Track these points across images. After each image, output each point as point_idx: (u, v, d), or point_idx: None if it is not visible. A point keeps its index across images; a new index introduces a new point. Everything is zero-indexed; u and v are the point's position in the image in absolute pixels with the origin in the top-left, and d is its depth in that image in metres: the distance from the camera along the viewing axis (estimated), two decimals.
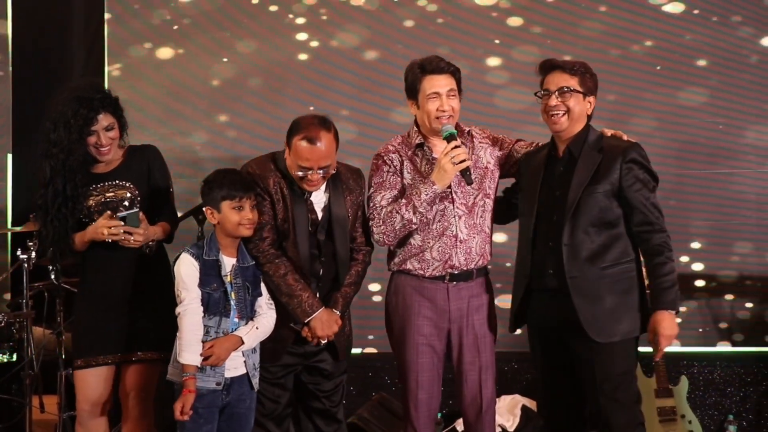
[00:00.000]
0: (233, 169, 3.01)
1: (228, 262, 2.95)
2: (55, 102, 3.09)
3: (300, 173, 2.95)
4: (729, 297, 4.53)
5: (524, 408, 4.34)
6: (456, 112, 3.06)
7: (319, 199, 3.07)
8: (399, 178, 3.10)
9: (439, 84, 3.03)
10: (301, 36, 4.68)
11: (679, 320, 4.50)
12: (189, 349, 2.85)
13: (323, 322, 2.99)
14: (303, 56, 4.68)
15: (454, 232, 3.07)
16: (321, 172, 2.95)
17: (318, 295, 3.05)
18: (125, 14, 4.74)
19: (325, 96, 4.59)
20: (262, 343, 3.02)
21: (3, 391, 4.25)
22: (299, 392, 3.18)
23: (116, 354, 3.12)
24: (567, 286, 2.93)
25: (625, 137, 3.03)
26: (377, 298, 4.35)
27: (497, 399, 3.39)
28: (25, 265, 3.88)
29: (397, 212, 3.02)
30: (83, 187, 3.11)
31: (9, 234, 4.59)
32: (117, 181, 3.16)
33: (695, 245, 4.53)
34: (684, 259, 4.51)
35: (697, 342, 4.55)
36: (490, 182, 3.16)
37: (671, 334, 2.93)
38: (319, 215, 3.06)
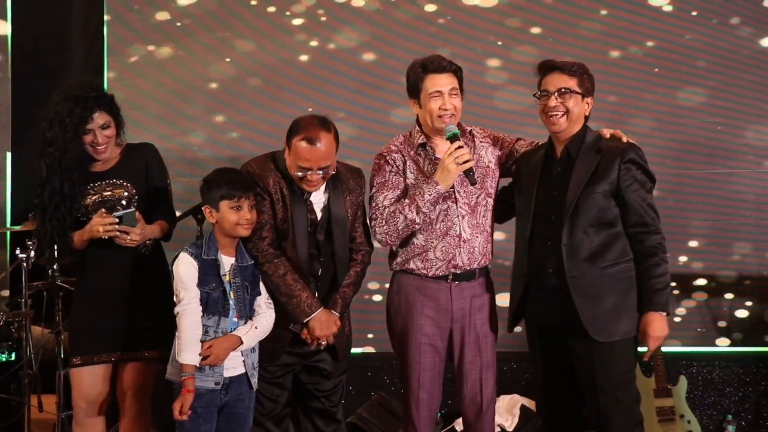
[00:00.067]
0: (233, 169, 3.01)
1: (227, 262, 2.95)
2: (51, 101, 3.10)
3: (299, 173, 2.95)
4: (728, 297, 4.54)
5: (523, 408, 4.34)
6: (458, 111, 3.06)
7: (318, 199, 3.06)
8: (402, 178, 3.10)
9: (441, 83, 3.03)
10: (300, 36, 4.68)
11: (678, 319, 4.54)
12: (188, 349, 2.85)
13: (322, 323, 2.99)
14: (302, 56, 4.68)
15: (458, 232, 3.07)
16: (320, 172, 2.95)
17: (317, 296, 3.05)
18: (125, 14, 4.74)
19: (324, 96, 4.59)
20: (261, 343, 3.02)
21: (2, 390, 4.25)
22: (298, 392, 3.18)
23: (113, 352, 3.12)
24: (567, 286, 2.93)
25: (624, 138, 3.03)
26: (377, 298, 4.35)
27: (496, 399, 3.38)
28: (24, 264, 3.88)
29: (400, 212, 3.02)
30: (81, 185, 3.11)
31: (8, 233, 4.59)
32: (115, 180, 3.16)
33: (694, 245, 4.54)
34: (683, 258, 4.52)
35: (696, 342, 4.56)
36: (492, 181, 3.16)
37: (661, 335, 2.94)
38: (319, 215, 3.06)
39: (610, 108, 4.44)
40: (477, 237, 3.10)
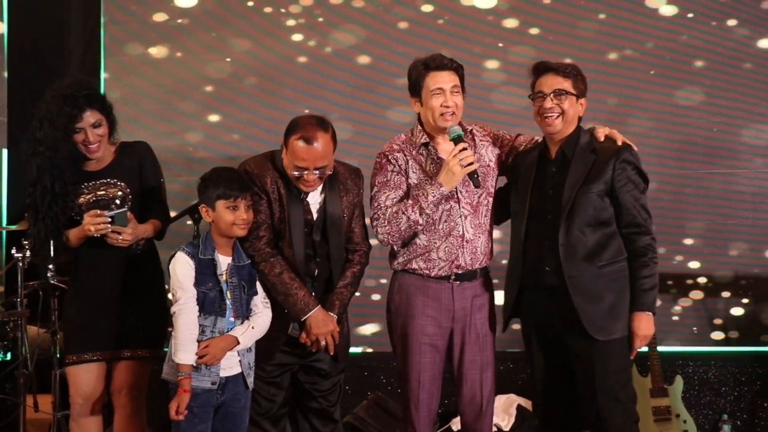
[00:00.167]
0: (230, 168, 3.01)
1: (223, 261, 2.95)
2: (42, 100, 3.09)
3: (296, 173, 2.95)
4: (724, 296, 4.54)
5: (520, 407, 4.34)
6: (459, 109, 3.05)
7: (315, 199, 3.06)
8: (404, 178, 3.09)
9: (443, 80, 3.03)
10: (298, 36, 4.67)
11: (675, 318, 4.54)
12: (184, 349, 2.85)
13: (319, 321, 2.99)
14: (299, 56, 4.68)
15: (461, 233, 3.07)
16: (317, 172, 2.95)
17: (313, 295, 3.05)
18: (122, 13, 4.73)
19: (321, 95, 4.59)
20: (256, 342, 3.01)
21: None
22: (296, 392, 3.18)
23: (106, 351, 3.13)
24: (565, 285, 2.94)
25: (619, 139, 3.02)
26: (375, 297, 4.34)
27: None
28: (20, 263, 3.87)
29: (403, 213, 3.01)
30: (74, 184, 3.11)
31: (4, 232, 4.58)
32: (108, 180, 3.16)
33: (691, 244, 4.55)
34: (679, 258, 4.52)
35: (692, 342, 4.56)
36: (492, 180, 3.17)
37: (647, 334, 2.98)
38: (315, 216, 3.06)
39: (609, 108, 4.44)
40: (479, 237, 3.10)
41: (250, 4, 4.68)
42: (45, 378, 4.01)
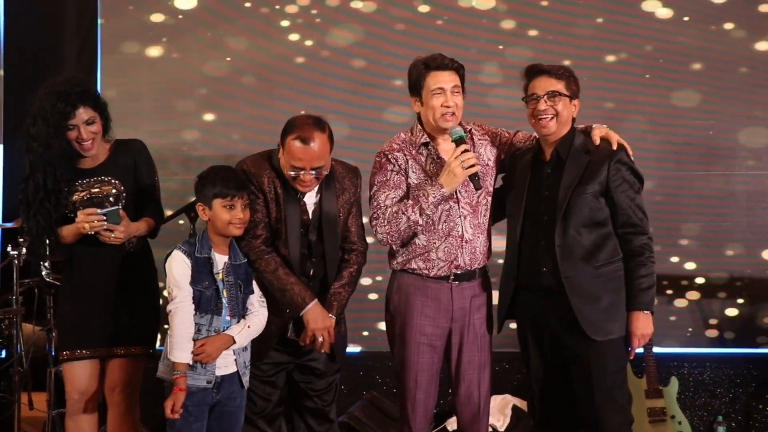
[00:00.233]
0: (227, 167, 3.00)
1: (220, 260, 2.94)
2: (36, 97, 3.09)
3: (292, 173, 2.95)
4: (720, 298, 4.55)
5: (515, 408, 4.35)
6: (459, 110, 3.05)
7: (311, 199, 3.06)
8: (403, 178, 3.09)
9: (443, 80, 3.02)
10: (295, 36, 4.67)
11: (673, 318, 4.55)
12: (180, 347, 2.84)
13: (316, 316, 2.98)
14: (296, 55, 4.67)
15: (460, 233, 3.07)
16: (314, 172, 2.94)
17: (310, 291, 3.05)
18: (118, 11, 4.72)
19: (318, 95, 4.59)
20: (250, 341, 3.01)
21: None
22: (292, 391, 3.18)
23: (100, 348, 3.13)
24: (562, 286, 2.95)
25: (614, 140, 3.02)
26: (373, 296, 4.34)
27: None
28: (15, 261, 3.87)
29: (403, 213, 3.01)
30: (68, 181, 3.11)
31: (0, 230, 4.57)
32: (103, 177, 3.16)
33: (686, 246, 4.55)
34: (675, 259, 4.53)
35: (688, 343, 4.57)
36: (491, 179, 3.17)
37: (645, 333, 2.98)
38: (311, 215, 3.06)
39: (605, 110, 4.45)
40: (478, 237, 3.10)
41: (248, 5, 4.67)
42: (40, 376, 4.00)
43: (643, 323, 2.97)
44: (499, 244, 3.22)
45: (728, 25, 4.54)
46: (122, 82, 4.67)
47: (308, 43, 4.67)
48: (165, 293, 2.95)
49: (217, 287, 2.91)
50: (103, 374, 3.18)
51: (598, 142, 3.01)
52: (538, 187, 3.04)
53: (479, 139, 3.17)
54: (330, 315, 3.02)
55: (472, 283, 3.12)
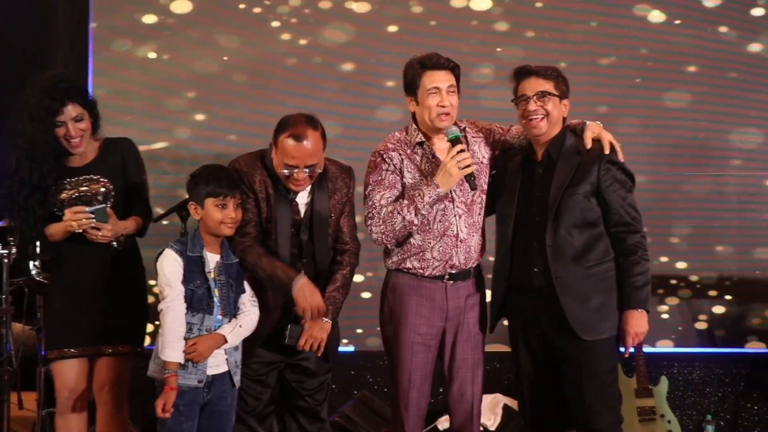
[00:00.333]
0: (220, 166, 3.00)
1: (212, 259, 2.94)
2: (23, 92, 3.08)
3: (286, 171, 2.94)
4: (709, 298, 4.57)
5: (505, 407, 4.35)
6: (454, 109, 3.05)
7: (303, 199, 3.05)
8: (398, 177, 3.08)
9: (439, 79, 3.02)
10: (287, 35, 4.66)
11: (665, 316, 4.57)
12: (171, 346, 2.84)
13: (305, 292, 2.95)
14: (288, 54, 4.66)
15: (455, 232, 3.07)
16: (307, 170, 2.94)
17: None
18: (109, 9, 4.70)
19: (311, 94, 4.58)
20: None
21: None
22: (283, 390, 3.17)
23: (87, 347, 3.13)
24: (553, 286, 2.95)
25: (606, 141, 3.01)
26: (366, 295, 4.33)
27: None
28: (5, 260, 3.84)
29: (398, 213, 3.01)
30: (56, 179, 3.09)
31: None
32: (92, 176, 3.15)
33: (677, 246, 4.57)
34: (665, 259, 4.55)
35: (677, 343, 4.59)
36: (486, 177, 3.16)
37: (640, 331, 2.98)
38: (303, 215, 3.05)
39: (599, 111, 4.46)
40: (473, 236, 3.10)
41: (242, 6, 4.66)
42: (29, 375, 3.98)
43: (638, 321, 2.97)
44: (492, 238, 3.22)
45: (720, 28, 4.56)
46: (113, 80, 4.65)
47: (302, 42, 4.66)
48: (156, 290, 2.94)
49: (208, 286, 2.91)
50: (91, 373, 3.17)
51: (589, 145, 3.01)
52: (530, 188, 3.05)
53: (473, 137, 3.17)
54: (326, 320, 3.02)
55: (467, 283, 3.12)
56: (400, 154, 3.09)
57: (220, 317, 2.93)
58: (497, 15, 4.63)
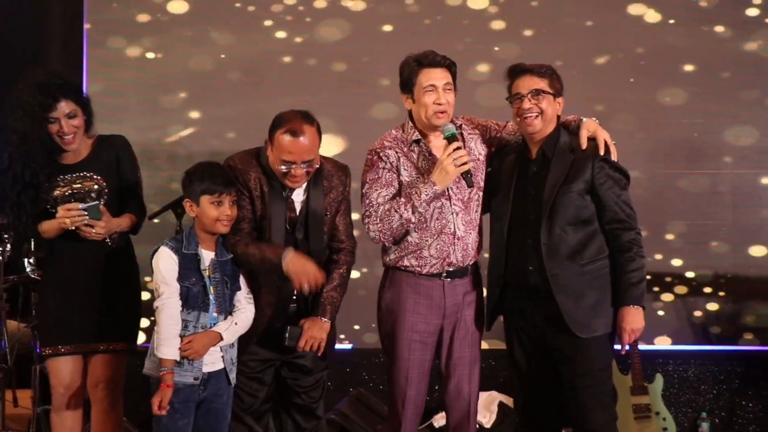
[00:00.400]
0: (216, 163, 2.99)
1: (207, 256, 2.94)
2: (16, 89, 3.07)
3: (283, 168, 2.94)
4: (704, 296, 4.58)
5: (501, 404, 4.36)
6: (451, 107, 3.05)
7: (299, 197, 3.05)
8: (395, 175, 3.08)
9: (435, 77, 3.02)
10: (282, 32, 4.66)
11: (662, 313, 4.57)
12: (167, 344, 2.84)
13: (296, 264, 2.93)
14: (283, 52, 4.66)
15: (452, 230, 3.07)
16: (304, 166, 2.94)
17: (296, 293, 3.04)
18: (104, 6, 4.69)
19: (305, 92, 4.57)
20: None
21: None
22: (279, 387, 3.17)
23: (81, 344, 3.13)
24: (548, 284, 2.96)
25: (601, 141, 3.01)
26: (361, 292, 4.33)
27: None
28: (0, 257, 3.84)
29: (395, 211, 3.00)
30: (49, 176, 3.09)
31: None
32: (85, 173, 3.14)
33: (672, 243, 4.58)
34: (660, 257, 4.56)
35: (672, 340, 4.60)
36: (482, 174, 3.16)
37: (635, 328, 2.98)
38: (298, 213, 3.05)
39: (595, 110, 4.46)
40: (470, 233, 3.10)
41: (238, 5, 4.65)
42: (25, 373, 3.98)
43: (633, 318, 2.97)
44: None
45: (715, 27, 4.57)
46: (108, 77, 4.64)
47: (297, 40, 4.66)
48: (151, 287, 2.94)
49: (204, 284, 2.90)
50: (86, 370, 3.17)
51: (584, 145, 3.01)
52: (525, 186, 3.05)
53: (469, 134, 3.18)
54: (324, 319, 3.03)
55: (464, 280, 3.13)
56: (396, 152, 3.09)
57: (215, 314, 2.92)
58: (493, 13, 4.63)
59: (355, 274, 4.29)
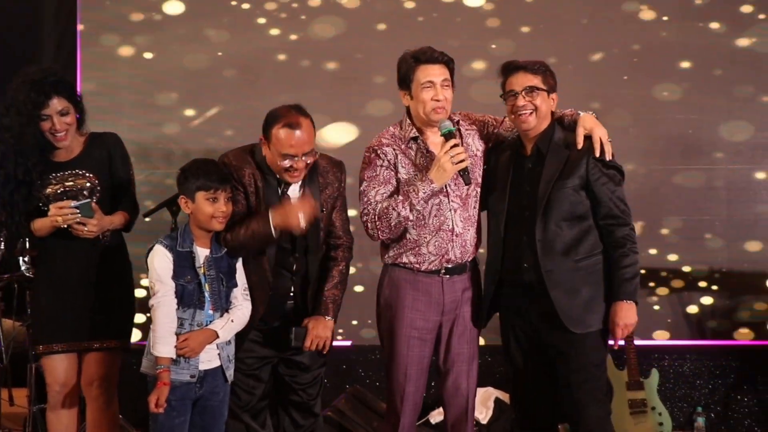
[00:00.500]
0: (211, 160, 2.99)
1: (202, 254, 2.93)
2: (10, 87, 3.06)
3: (285, 162, 2.92)
4: (699, 291, 4.59)
5: (497, 400, 4.36)
6: (449, 103, 3.05)
7: (295, 194, 3.04)
8: (393, 172, 3.08)
9: (433, 73, 3.02)
10: (276, 29, 4.65)
11: (657, 308, 4.58)
12: (163, 342, 2.83)
13: (280, 214, 2.90)
14: (278, 49, 4.65)
15: (451, 227, 3.07)
16: (305, 158, 2.93)
17: (293, 289, 3.04)
18: (98, 3, 4.68)
19: (300, 89, 4.56)
20: None
21: None
22: (277, 385, 3.17)
23: (75, 342, 3.13)
24: (543, 280, 2.96)
25: (597, 136, 3.00)
26: (358, 288, 4.33)
27: None
28: None
29: (393, 209, 3.00)
30: (41, 173, 3.08)
31: None
32: (77, 171, 3.14)
33: (667, 239, 4.59)
34: (654, 251, 4.56)
35: (668, 335, 4.61)
36: (480, 170, 3.16)
37: (628, 323, 2.98)
38: None
39: (591, 107, 4.47)
40: (468, 230, 3.11)
41: (233, 3, 4.64)
42: (20, 371, 3.97)
43: (626, 313, 2.97)
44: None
45: (709, 24, 4.58)
46: (102, 75, 4.63)
47: (292, 37, 4.65)
48: (146, 284, 2.94)
49: (199, 281, 2.90)
50: (80, 368, 3.17)
51: (581, 145, 3.00)
52: (521, 182, 3.05)
53: (467, 130, 3.17)
54: (328, 317, 3.03)
55: (463, 276, 3.13)
56: (394, 150, 3.09)
57: (211, 312, 2.92)
58: (488, 11, 4.63)
59: (350, 270, 4.30)
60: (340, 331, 4.44)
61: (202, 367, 2.91)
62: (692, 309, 4.60)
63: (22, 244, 3.20)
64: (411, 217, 3.01)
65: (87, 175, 3.14)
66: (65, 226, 3.03)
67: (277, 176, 3.00)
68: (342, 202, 3.15)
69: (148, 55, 4.66)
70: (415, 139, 3.10)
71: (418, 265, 3.09)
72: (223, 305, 2.95)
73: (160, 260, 2.88)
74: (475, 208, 3.13)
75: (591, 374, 3.00)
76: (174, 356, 2.84)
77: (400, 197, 3.02)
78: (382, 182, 3.07)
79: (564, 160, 3.00)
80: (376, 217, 3.02)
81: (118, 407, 3.23)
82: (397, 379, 3.10)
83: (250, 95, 4.60)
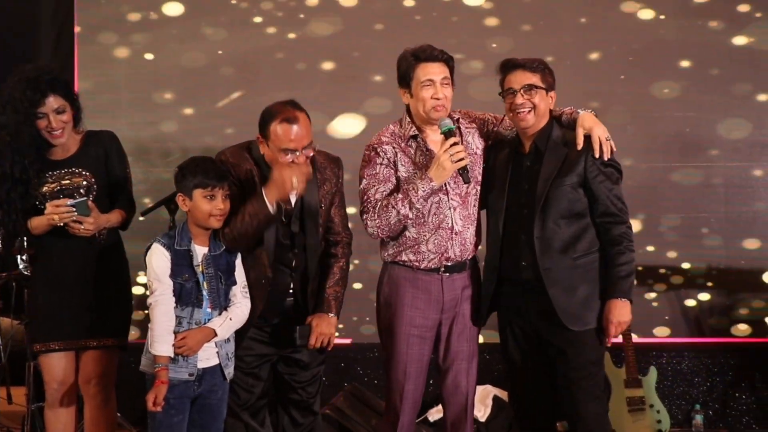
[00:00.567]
0: (208, 158, 2.98)
1: (200, 252, 2.93)
2: (6, 85, 3.06)
3: (288, 157, 2.91)
4: (697, 288, 4.60)
5: (496, 398, 4.37)
6: (448, 101, 3.05)
7: None
8: (392, 170, 3.08)
9: (433, 71, 3.02)
10: (274, 27, 4.65)
11: (655, 304, 4.58)
12: (161, 340, 2.83)
13: (274, 186, 2.89)
14: (276, 47, 4.65)
15: (450, 225, 3.07)
16: (305, 151, 2.92)
17: (292, 286, 3.04)
18: (95, 1, 4.67)
19: (298, 86, 4.56)
20: None
21: None
22: (276, 383, 3.17)
23: (72, 341, 3.13)
24: (541, 278, 2.96)
25: (596, 136, 2.99)
26: (357, 286, 4.33)
27: None
28: None
29: (393, 207, 3.01)
30: (37, 172, 3.08)
31: None
32: (73, 169, 3.14)
33: (665, 236, 4.59)
34: (652, 249, 4.57)
35: (666, 333, 4.62)
36: (480, 168, 3.16)
37: (622, 321, 2.99)
38: (293, 206, 3.04)
39: (588, 102, 4.47)
40: (468, 228, 3.11)
41: (233, 2, 4.64)
42: (18, 370, 3.96)
43: (621, 311, 2.98)
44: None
45: (707, 22, 4.58)
46: (100, 73, 4.63)
47: (290, 36, 4.65)
48: (143, 282, 2.93)
49: (197, 279, 2.90)
50: (78, 367, 3.17)
51: (581, 145, 2.99)
52: (519, 180, 3.06)
53: (466, 128, 3.18)
54: (331, 314, 3.03)
55: (462, 275, 3.13)
56: (394, 148, 3.09)
57: (209, 310, 2.92)
58: (487, 9, 4.63)
59: (350, 266, 4.30)
60: (340, 326, 4.43)
61: (201, 365, 2.91)
62: (690, 303, 4.59)
63: (20, 243, 3.19)
64: (410, 216, 3.01)
65: (83, 173, 3.14)
66: (62, 224, 3.03)
67: None
68: (340, 198, 3.15)
69: (145, 54, 4.66)
70: (414, 137, 3.10)
71: (417, 263, 3.09)
72: (222, 303, 2.95)
73: (158, 258, 2.88)
74: (474, 206, 3.13)
75: (589, 372, 3.00)
76: (172, 355, 2.84)
77: (400, 195, 3.02)
78: (382, 180, 3.07)
79: (562, 158, 3.00)
80: (376, 216, 3.02)
81: (116, 405, 3.24)
82: (396, 377, 3.11)
83: (247, 94, 4.59)
